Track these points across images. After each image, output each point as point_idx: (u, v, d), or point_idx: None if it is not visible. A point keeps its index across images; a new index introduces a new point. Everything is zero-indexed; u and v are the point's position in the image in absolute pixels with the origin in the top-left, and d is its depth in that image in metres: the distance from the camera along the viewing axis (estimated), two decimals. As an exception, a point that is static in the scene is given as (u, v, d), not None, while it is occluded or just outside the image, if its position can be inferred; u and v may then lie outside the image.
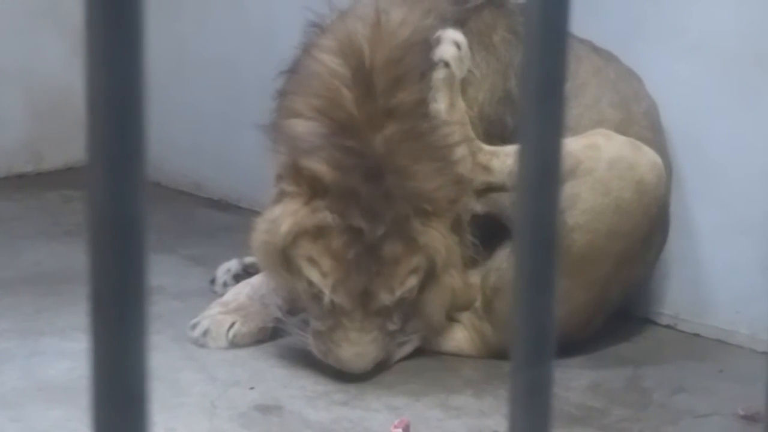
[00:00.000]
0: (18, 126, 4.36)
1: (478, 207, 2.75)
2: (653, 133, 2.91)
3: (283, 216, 2.60)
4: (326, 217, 2.55)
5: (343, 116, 2.63)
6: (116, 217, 0.62)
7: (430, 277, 2.66)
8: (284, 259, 2.63)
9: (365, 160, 2.55)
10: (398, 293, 2.60)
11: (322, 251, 2.57)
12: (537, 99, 0.70)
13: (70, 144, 4.31)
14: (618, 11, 3.08)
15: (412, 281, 2.62)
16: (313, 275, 2.59)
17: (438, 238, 2.62)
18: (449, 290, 2.72)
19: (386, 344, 2.67)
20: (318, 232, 2.57)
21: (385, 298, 2.59)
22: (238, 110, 3.96)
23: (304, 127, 2.66)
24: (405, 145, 2.60)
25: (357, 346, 2.61)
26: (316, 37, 2.83)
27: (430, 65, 2.73)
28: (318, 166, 2.57)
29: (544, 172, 0.71)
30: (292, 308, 2.80)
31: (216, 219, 3.92)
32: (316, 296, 2.60)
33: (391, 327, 2.67)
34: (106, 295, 0.62)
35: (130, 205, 0.62)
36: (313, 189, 2.57)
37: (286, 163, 2.63)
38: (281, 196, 2.63)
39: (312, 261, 2.59)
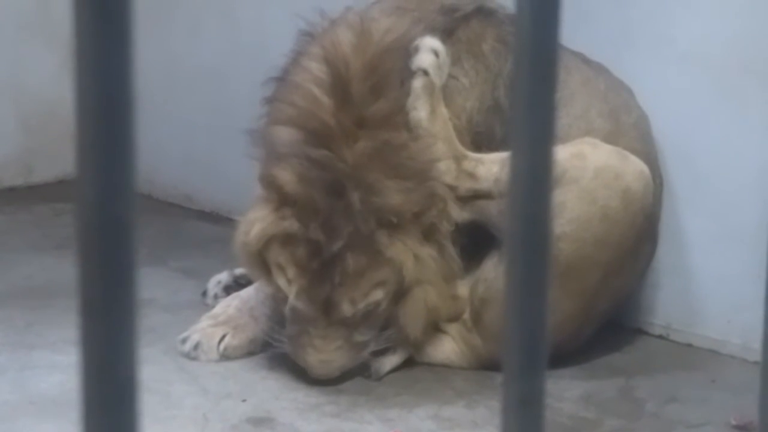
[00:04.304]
0: (8, 139, 4.35)
1: (464, 215, 2.75)
2: (643, 144, 2.90)
3: (254, 220, 2.67)
4: (292, 225, 2.60)
5: (318, 126, 2.65)
6: (106, 229, 0.62)
7: (401, 290, 2.66)
8: (261, 261, 2.69)
9: (330, 173, 2.58)
10: (361, 305, 2.61)
11: (288, 258, 2.62)
12: (528, 106, 0.70)
13: (60, 157, 4.30)
14: (607, 21, 3.08)
15: (378, 294, 2.62)
16: (280, 280, 2.65)
17: (404, 251, 2.62)
18: (422, 304, 2.70)
19: (353, 354, 2.67)
20: (285, 239, 2.62)
21: (347, 309, 2.60)
22: (230, 122, 3.95)
23: (282, 134, 2.71)
24: (377, 159, 2.62)
25: (322, 354, 2.63)
26: (306, 44, 2.85)
27: (409, 73, 2.73)
28: (284, 175, 2.62)
29: (535, 179, 0.70)
30: (281, 319, 2.80)
31: (207, 231, 3.91)
32: (285, 300, 2.65)
33: (359, 338, 2.66)
34: (95, 308, 0.62)
35: (120, 217, 0.62)
36: (281, 197, 2.62)
37: (260, 169, 2.69)
38: (258, 199, 2.69)
39: (279, 266, 2.64)
